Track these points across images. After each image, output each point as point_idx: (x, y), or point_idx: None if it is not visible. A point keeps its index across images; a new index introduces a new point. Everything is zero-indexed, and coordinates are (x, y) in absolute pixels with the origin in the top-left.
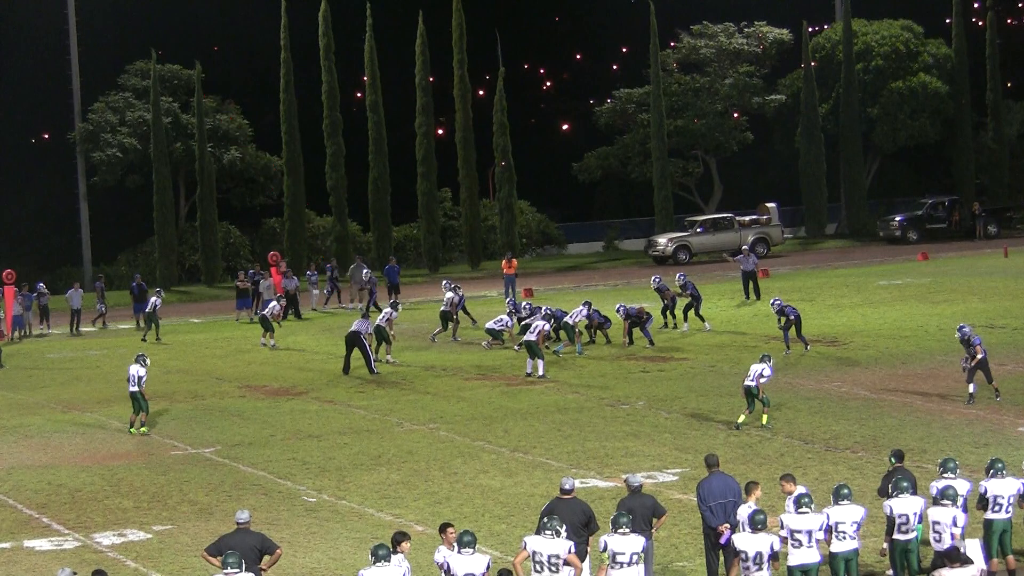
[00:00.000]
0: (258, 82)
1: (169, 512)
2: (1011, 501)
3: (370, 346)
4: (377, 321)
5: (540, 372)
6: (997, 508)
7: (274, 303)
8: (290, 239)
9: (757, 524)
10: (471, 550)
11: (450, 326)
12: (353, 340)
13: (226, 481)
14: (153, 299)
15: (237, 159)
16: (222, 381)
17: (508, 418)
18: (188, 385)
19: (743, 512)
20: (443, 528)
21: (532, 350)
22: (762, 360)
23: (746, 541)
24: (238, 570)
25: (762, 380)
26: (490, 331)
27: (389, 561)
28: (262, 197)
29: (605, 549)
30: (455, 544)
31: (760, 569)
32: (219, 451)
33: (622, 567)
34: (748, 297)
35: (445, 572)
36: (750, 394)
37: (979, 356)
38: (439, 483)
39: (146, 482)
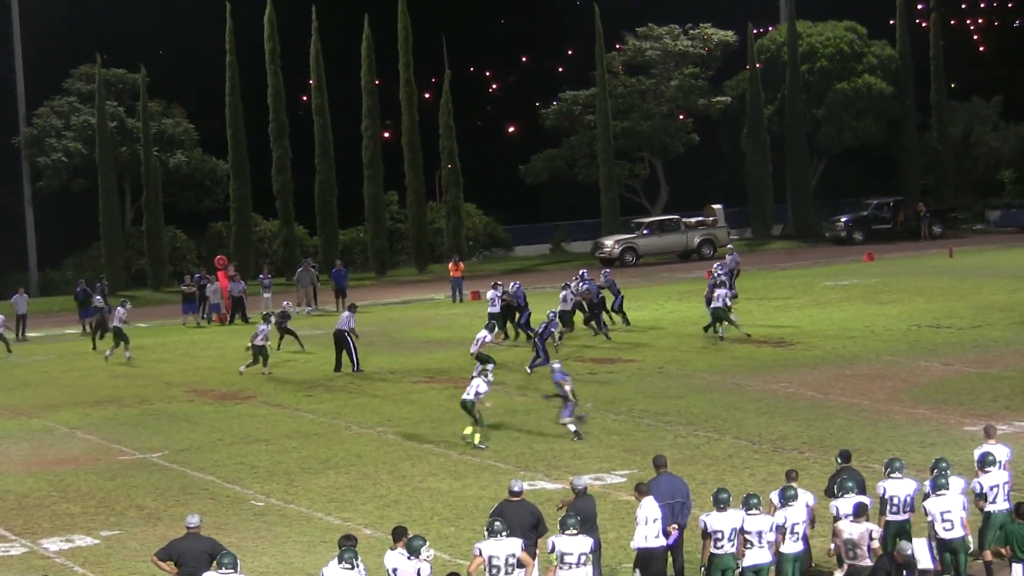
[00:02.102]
0: (204, 86)
1: (117, 517)
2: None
3: (354, 344)
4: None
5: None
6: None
7: (121, 310)
8: (237, 243)
9: (720, 503)
10: (402, 552)
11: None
12: (339, 338)
13: (174, 486)
14: (120, 310)
15: (183, 163)
16: (169, 385)
17: (456, 421)
18: (135, 390)
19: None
20: (397, 534)
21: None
22: (479, 374)
23: (716, 520)
24: (232, 570)
25: (478, 395)
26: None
27: (353, 567)
28: (208, 201)
29: (553, 550)
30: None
31: (732, 544)
32: (166, 456)
33: (571, 568)
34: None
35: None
36: (465, 407)
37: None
38: (388, 486)
39: (93, 487)
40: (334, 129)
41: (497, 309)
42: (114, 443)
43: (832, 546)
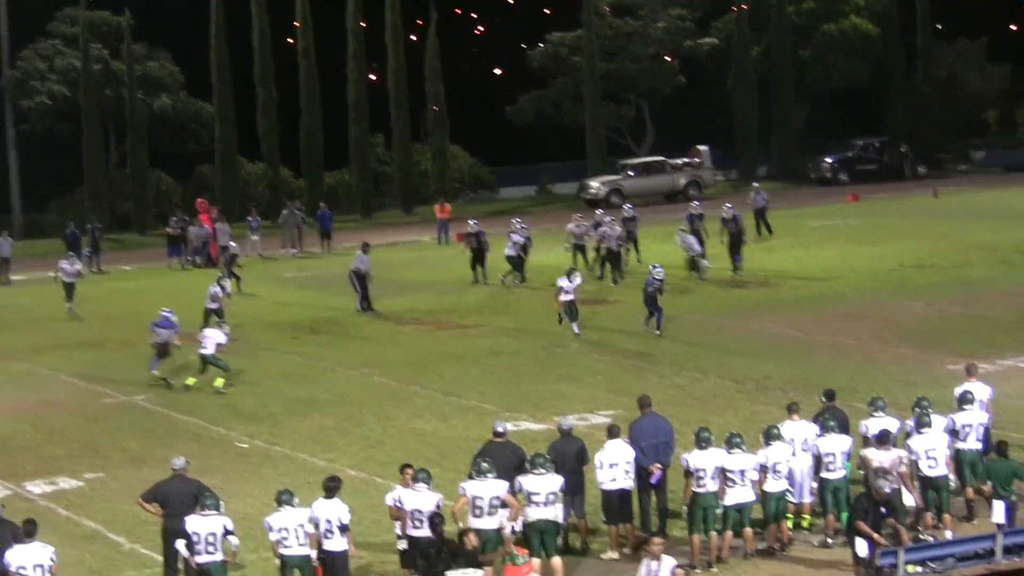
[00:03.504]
0: (189, 28)
1: (101, 460)
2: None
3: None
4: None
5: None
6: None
7: (65, 264)
8: (222, 186)
9: (702, 442)
10: (425, 486)
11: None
12: (351, 277)
13: (158, 428)
14: (64, 264)
15: (168, 106)
16: None
17: (441, 362)
18: (120, 333)
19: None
20: (402, 469)
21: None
22: (217, 327)
23: (698, 459)
24: (215, 512)
25: (214, 346)
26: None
27: (292, 505)
28: (193, 144)
29: (520, 489)
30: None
31: (715, 482)
32: (151, 398)
33: (538, 507)
34: (760, 234)
35: (398, 508)
36: (204, 360)
37: None
38: (372, 427)
39: (78, 430)
40: (320, 72)
41: (513, 253)
42: (99, 386)
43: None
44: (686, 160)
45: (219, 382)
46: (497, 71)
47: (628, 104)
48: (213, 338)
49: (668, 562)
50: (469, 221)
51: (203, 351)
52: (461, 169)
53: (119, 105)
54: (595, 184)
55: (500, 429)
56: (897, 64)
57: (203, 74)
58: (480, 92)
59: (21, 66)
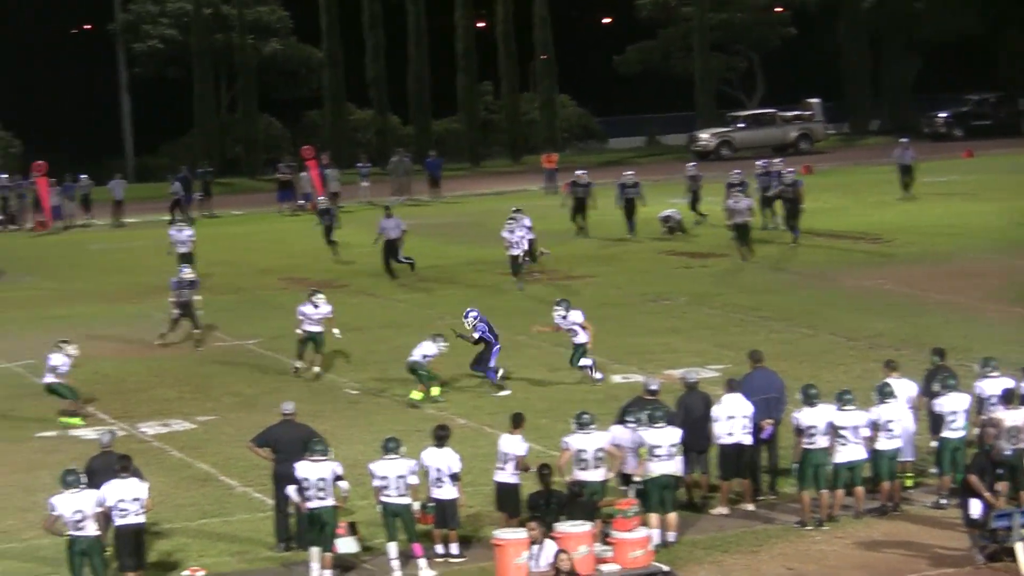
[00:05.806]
0: None
1: (212, 403)
2: None
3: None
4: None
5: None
6: None
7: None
8: (331, 132)
9: (811, 398)
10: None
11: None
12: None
13: (268, 373)
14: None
15: (277, 51)
16: (264, 273)
17: (550, 313)
18: (230, 278)
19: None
20: (520, 418)
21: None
22: (433, 339)
23: (809, 416)
24: (324, 457)
25: (425, 358)
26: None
27: (398, 454)
28: (303, 89)
29: (643, 444)
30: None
31: (826, 439)
32: (261, 343)
33: (660, 460)
34: (907, 191)
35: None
36: (413, 370)
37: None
38: (481, 377)
39: (189, 373)
40: (428, 18)
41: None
42: (209, 330)
43: (976, 431)
44: (797, 113)
45: (436, 391)
46: (606, 20)
47: (738, 55)
48: (420, 350)
49: (551, 547)
50: (576, 172)
51: (411, 359)
52: (569, 119)
53: (229, 49)
54: (705, 136)
55: (654, 387)
56: (1013, 16)
57: (312, 19)
58: (588, 41)
59: (133, 9)
